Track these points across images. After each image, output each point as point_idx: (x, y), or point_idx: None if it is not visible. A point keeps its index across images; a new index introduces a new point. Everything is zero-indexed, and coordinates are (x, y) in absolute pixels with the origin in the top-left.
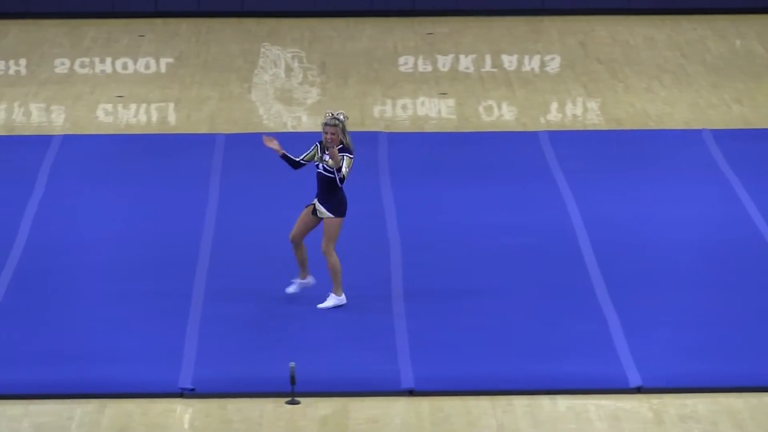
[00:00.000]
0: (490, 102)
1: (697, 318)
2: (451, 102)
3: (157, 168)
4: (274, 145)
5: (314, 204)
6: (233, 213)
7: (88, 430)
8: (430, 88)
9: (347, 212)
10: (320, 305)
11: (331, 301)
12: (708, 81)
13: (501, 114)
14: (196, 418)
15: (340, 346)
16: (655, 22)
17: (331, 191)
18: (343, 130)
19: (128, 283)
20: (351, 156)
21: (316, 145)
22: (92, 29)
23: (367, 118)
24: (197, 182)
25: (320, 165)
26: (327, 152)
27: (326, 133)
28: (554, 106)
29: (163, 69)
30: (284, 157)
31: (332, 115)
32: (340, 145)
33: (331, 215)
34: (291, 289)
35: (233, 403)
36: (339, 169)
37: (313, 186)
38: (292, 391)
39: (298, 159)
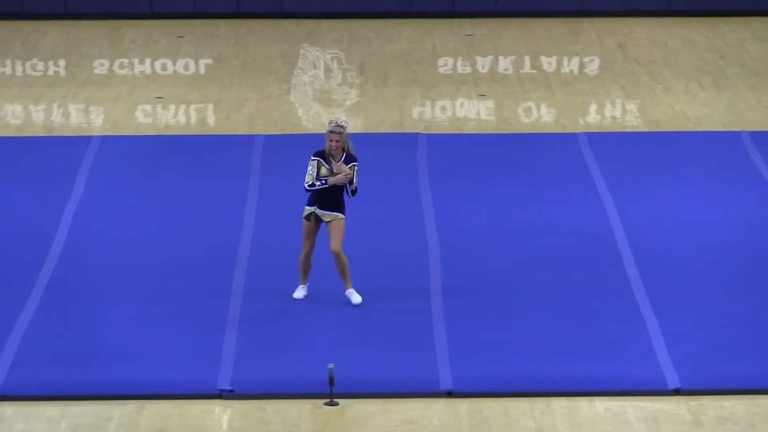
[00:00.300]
0: (529, 103)
1: (736, 320)
2: (490, 103)
3: (196, 169)
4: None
5: (314, 212)
6: (272, 214)
7: (126, 431)
8: (469, 90)
9: (385, 213)
10: (357, 302)
11: (357, 295)
12: (746, 83)
13: (540, 115)
14: (234, 419)
15: (378, 348)
16: (694, 24)
17: (338, 198)
18: (347, 137)
19: (167, 284)
20: (357, 164)
21: (317, 160)
22: (131, 30)
23: (406, 120)
24: (236, 183)
25: (330, 179)
26: (333, 169)
27: (331, 140)
28: (593, 107)
29: (202, 70)
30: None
31: (336, 122)
32: (343, 154)
33: (341, 215)
34: (299, 294)
35: (272, 405)
36: (351, 182)
37: None
38: (331, 392)
39: (317, 183)
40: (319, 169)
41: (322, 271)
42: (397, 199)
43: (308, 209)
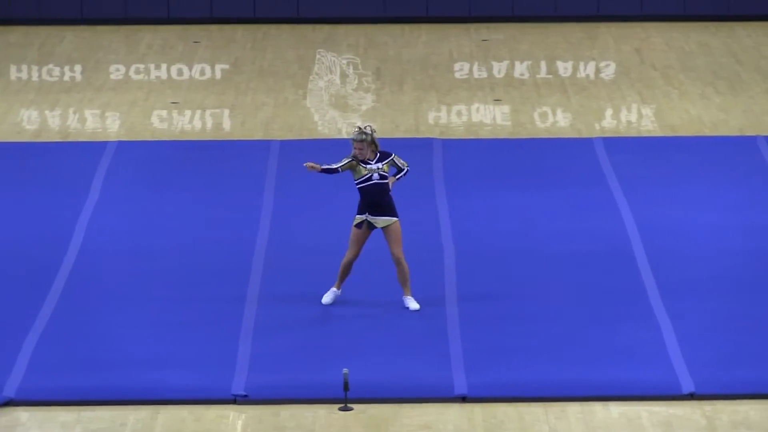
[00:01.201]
0: (545, 108)
1: (750, 324)
2: (506, 108)
3: (212, 174)
4: (315, 168)
5: (365, 220)
6: (288, 219)
7: None
8: (485, 95)
9: (400, 218)
10: (414, 308)
11: (414, 302)
12: (763, 88)
13: (556, 120)
14: (249, 424)
15: (393, 352)
16: (710, 29)
17: (386, 197)
18: (373, 140)
19: (182, 289)
20: (393, 154)
21: (354, 158)
22: (148, 35)
23: (422, 125)
24: (252, 188)
25: (375, 175)
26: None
27: (355, 148)
28: (609, 112)
29: (218, 75)
30: (324, 170)
31: (359, 129)
32: (377, 155)
33: (396, 219)
34: (328, 299)
35: (286, 410)
36: (403, 168)
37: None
38: (346, 397)
39: (335, 166)
40: (351, 166)
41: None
42: (412, 204)
43: (359, 218)
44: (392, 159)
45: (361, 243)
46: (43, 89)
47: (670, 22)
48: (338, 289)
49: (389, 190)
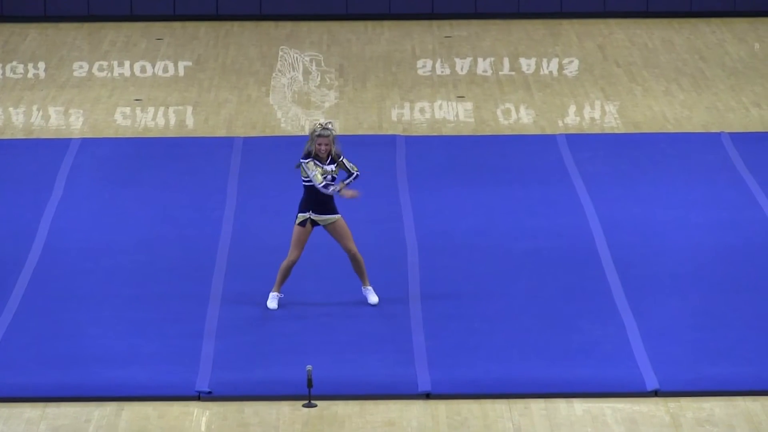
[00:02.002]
0: (508, 105)
1: (715, 321)
2: (469, 105)
3: (175, 171)
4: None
5: (308, 218)
6: (251, 216)
7: None
8: (448, 92)
9: (363, 215)
10: (374, 302)
11: (374, 295)
12: (727, 84)
13: (519, 117)
14: (213, 420)
15: (356, 350)
16: (674, 25)
17: (330, 199)
18: (334, 139)
19: (146, 286)
20: (342, 156)
21: (313, 162)
22: (111, 32)
23: (384, 122)
24: (215, 185)
25: (327, 177)
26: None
27: (320, 144)
28: (572, 109)
29: (181, 72)
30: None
31: (322, 125)
32: (329, 157)
33: (338, 215)
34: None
35: (250, 406)
36: (352, 172)
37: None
38: (309, 394)
39: (331, 189)
40: (307, 167)
41: (301, 274)
42: (375, 201)
43: (302, 216)
44: (342, 161)
45: (304, 242)
46: (6, 87)
47: (633, 19)
48: (279, 292)
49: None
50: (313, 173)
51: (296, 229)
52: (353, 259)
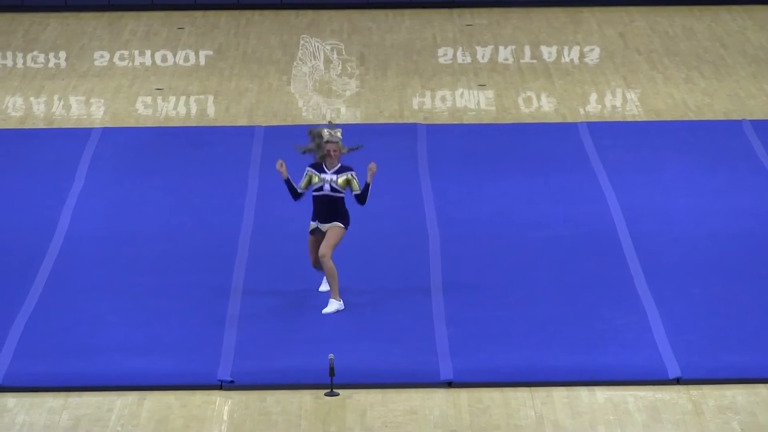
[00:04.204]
0: (529, 93)
1: (737, 309)
2: (490, 93)
3: (196, 160)
4: (282, 169)
5: (316, 227)
6: (272, 205)
7: (127, 422)
8: (469, 80)
9: (385, 204)
10: (324, 310)
11: (333, 306)
12: (748, 71)
13: (540, 105)
14: (235, 410)
15: (379, 338)
16: (695, 13)
17: (338, 210)
18: (340, 147)
19: (167, 275)
20: (353, 172)
21: (308, 170)
22: (131, 22)
23: (406, 110)
24: (236, 174)
25: (326, 186)
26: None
27: (328, 150)
28: (593, 97)
29: (202, 61)
30: (287, 182)
31: (330, 132)
32: (338, 164)
33: (340, 224)
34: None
35: (272, 395)
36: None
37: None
38: (331, 382)
39: (299, 190)
40: (310, 179)
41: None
42: (397, 190)
43: (312, 225)
44: (348, 177)
45: (317, 249)
46: (27, 76)
47: (653, 6)
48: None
49: (343, 206)
50: (302, 179)
51: (309, 236)
52: (322, 260)
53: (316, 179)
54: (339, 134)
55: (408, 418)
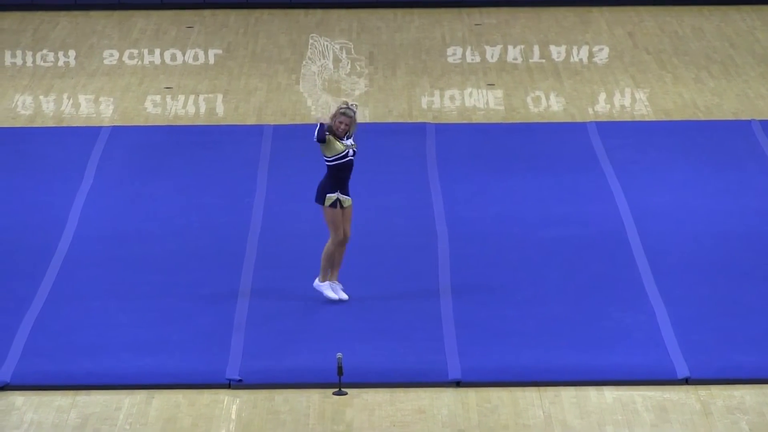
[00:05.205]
0: (538, 93)
1: (745, 309)
2: (499, 93)
3: (205, 159)
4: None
5: (337, 198)
6: (281, 204)
7: (135, 421)
8: (478, 79)
9: (393, 203)
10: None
11: (326, 288)
12: (757, 71)
13: (549, 105)
14: (243, 408)
15: (387, 337)
16: (704, 13)
17: (348, 178)
18: (354, 121)
19: (176, 274)
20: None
21: (329, 137)
22: (141, 20)
23: (414, 110)
24: (245, 173)
25: (350, 151)
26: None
27: (340, 122)
28: (602, 96)
29: (211, 60)
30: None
31: (348, 105)
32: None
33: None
34: (339, 294)
35: (280, 394)
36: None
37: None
38: (339, 381)
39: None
40: (330, 143)
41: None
42: (405, 189)
43: (331, 197)
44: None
45: (341, 222)
46: (37, 75)
47: (662, 6)
48: (336, 280)
49: None
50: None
51: (329, 211)
52: (345, 243)
53: (341, 147)
54: (354, 110)
55: (416, 417)
